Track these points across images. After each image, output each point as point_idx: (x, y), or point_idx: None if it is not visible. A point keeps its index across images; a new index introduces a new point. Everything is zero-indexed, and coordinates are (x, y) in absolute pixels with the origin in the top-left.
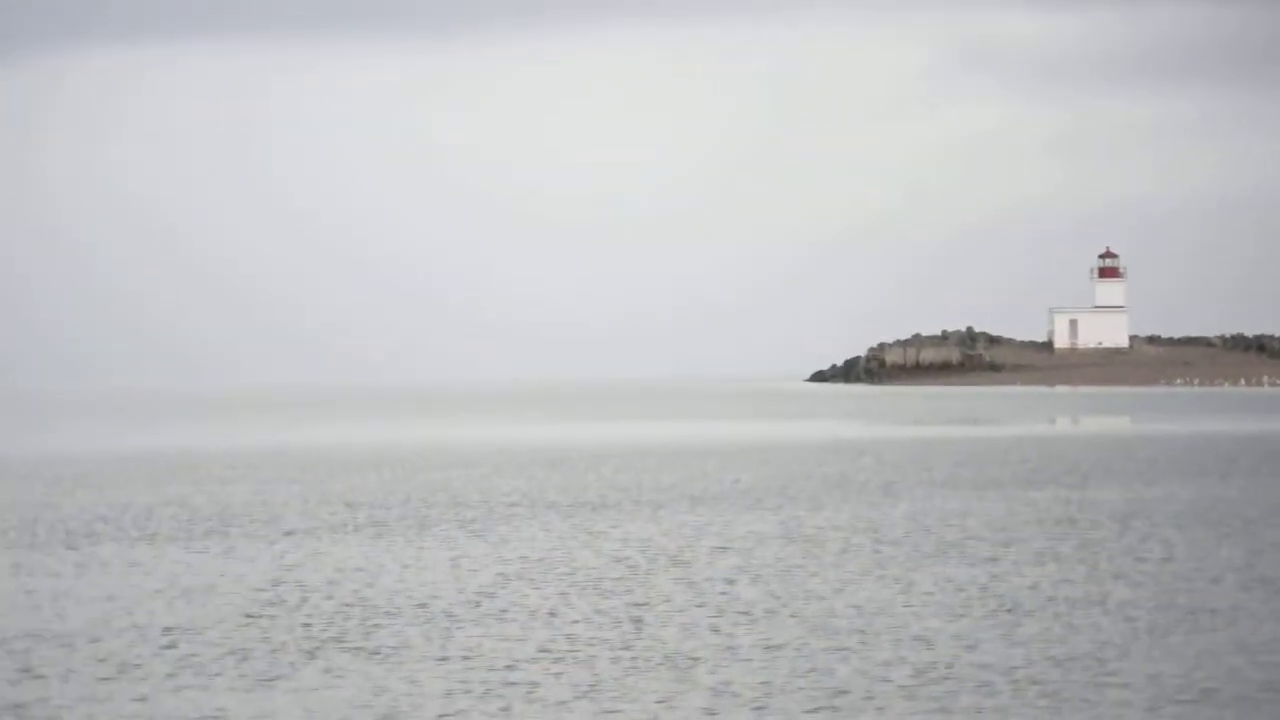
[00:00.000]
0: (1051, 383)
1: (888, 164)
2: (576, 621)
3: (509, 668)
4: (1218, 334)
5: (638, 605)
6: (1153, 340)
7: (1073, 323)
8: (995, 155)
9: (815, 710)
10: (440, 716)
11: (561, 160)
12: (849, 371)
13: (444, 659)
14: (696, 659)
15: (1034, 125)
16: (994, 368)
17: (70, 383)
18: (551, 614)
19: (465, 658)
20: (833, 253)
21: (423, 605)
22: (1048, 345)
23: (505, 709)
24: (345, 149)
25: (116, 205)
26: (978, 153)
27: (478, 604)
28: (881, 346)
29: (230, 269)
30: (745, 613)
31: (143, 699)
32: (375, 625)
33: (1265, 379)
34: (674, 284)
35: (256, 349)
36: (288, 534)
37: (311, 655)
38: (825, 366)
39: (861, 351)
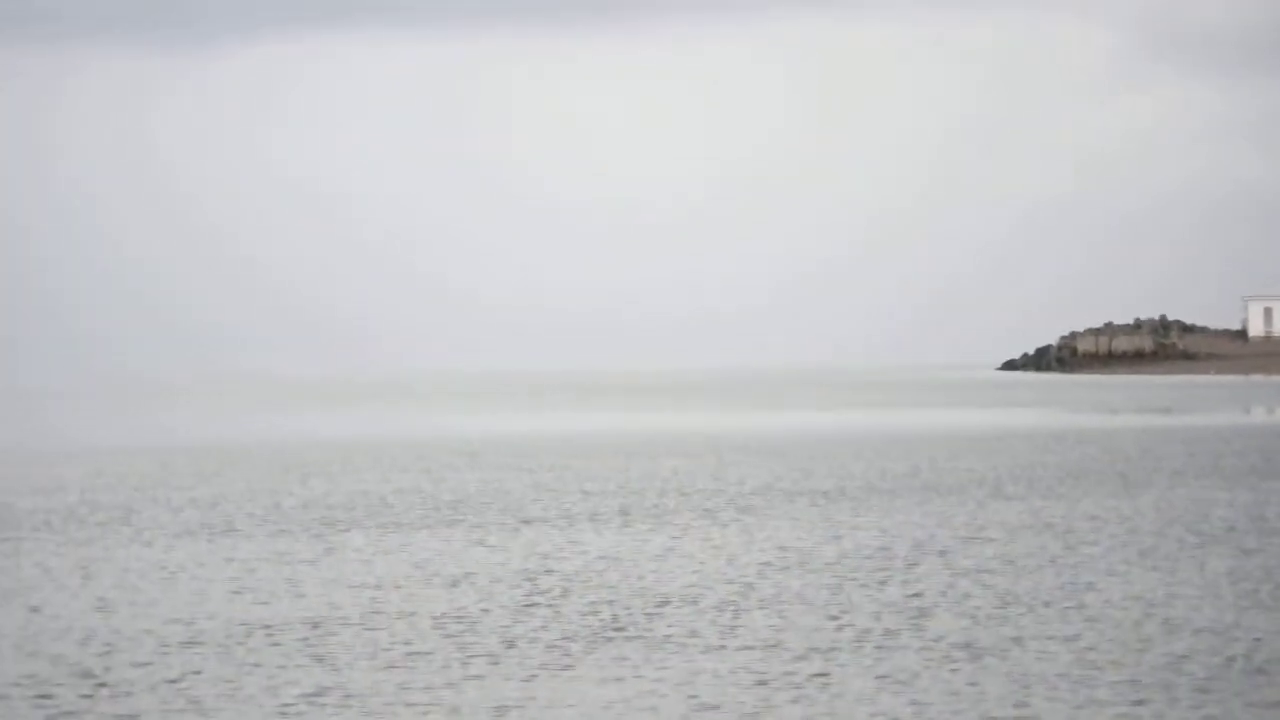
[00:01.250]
0: (1247, 371)
1: (1069, 149)
2: (855, 611)
3: (801, 658)
4: None
5: (913, 595)
6: None
7: (1268, 310)
8: (1185, 139)
9: (1125, 703)
10: (754, 706)
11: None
12: (1039, 360)
13: (736, 649)
14: (988, 649)
15: (1225, 109)
16: (1187, 356)
17: (83, 369)
18: (829, 603)
19: (754, 648)
20: (1017, 239)
21: (692, 595)
22: (1242, 333)
23: (811, 699)
24: (375, 147)
25: (148, 193)
26: (1165, 137)
27: (747, 594)
28: (1073, 335)
29: (260, 259)
30: (1022, 603)
31: (446, 685)
32: (651, 615)
33: None
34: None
35: (296, 339)
36: (528, 522)
37: (599, 643)
38: (1015, 355)
39: (1050, 340)
